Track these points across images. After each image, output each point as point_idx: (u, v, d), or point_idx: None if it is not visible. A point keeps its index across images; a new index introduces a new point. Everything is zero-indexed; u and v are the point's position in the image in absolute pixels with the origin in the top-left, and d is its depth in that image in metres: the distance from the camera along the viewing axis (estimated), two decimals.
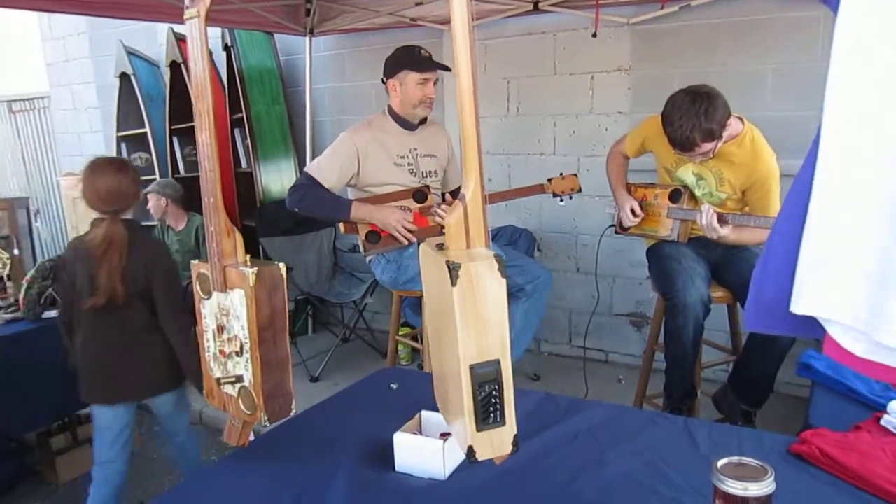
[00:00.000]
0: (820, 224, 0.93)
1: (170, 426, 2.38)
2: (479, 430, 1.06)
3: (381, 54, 4.15)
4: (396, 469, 1.42)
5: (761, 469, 1.08)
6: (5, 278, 3.25)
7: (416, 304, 3.57)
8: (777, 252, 1.03)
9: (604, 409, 1.68)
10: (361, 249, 2.79)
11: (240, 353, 1.42)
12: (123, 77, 4.82)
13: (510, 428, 1.09)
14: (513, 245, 3.18)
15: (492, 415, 1.06)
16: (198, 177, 1.44)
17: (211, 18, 1.34)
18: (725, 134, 2.30)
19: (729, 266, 2.51)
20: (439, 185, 2.91)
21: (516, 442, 1.10)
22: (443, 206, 2.76)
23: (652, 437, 1.52)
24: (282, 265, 1.41)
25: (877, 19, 0.86)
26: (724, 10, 3.09)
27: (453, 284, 1.02)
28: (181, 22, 1.36)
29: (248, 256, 1.45)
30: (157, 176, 4.62)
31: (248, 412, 1.46)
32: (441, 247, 1.14)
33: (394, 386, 1.90)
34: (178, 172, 4.66)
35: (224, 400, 1.53)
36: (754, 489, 1.04)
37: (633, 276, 3.59)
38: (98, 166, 2.17)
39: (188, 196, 3.98)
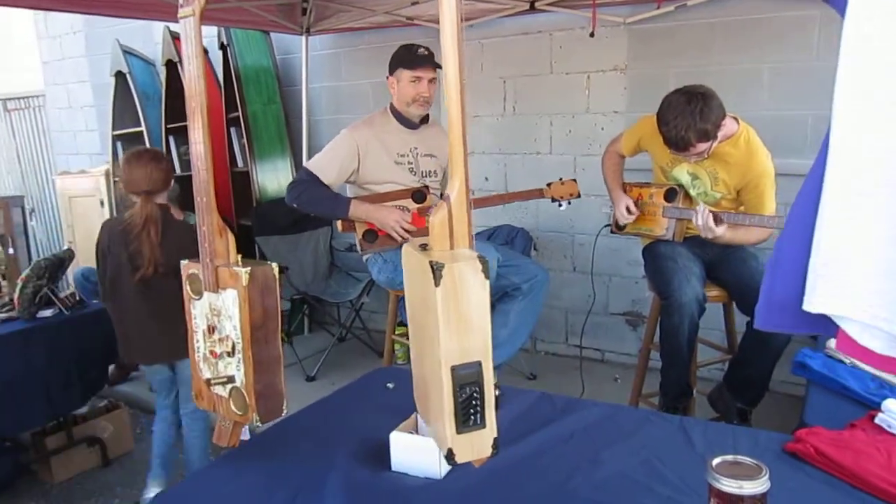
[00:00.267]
0: (832, 222, 0.93)
1: (187, 391, 2.46)
2: (459, 432, 1.06)
3: (377, 53, 4.18)
4: (392, 468, 1.42)
5: (756, 467, 1.08)
6: (0, 277, 3.24)
7: None
8: (787, 251, 1.03)
9: (599, 408, 1.68)
10: (358, 248, 2.79)
11: (231, 354, 1.42)
12: (119, 76, 4.80)
13: (490, 430, 1.08)
14: (509, 244, 3.17)
15: (472, 417, 1.06)
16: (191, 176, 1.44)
17: (207, 17, 1.34)
18: (720, 134, 2.30)
19: (724, 265, 2.52)
20: (439, 186, 2.90)
21: (496, 444, 1.09)
22: None
23: (648, 436, 1.52)
24: (274, 265, 1.41)
25: (884, 20, 0.86)
26: (720, 10, 3.10)
27: (437, 285, 1.01)
28: (177, 20, 1.36)
29: (239, 256, 1.44)
30: None
31: (239, 413, 1.46)
32: (425, 247, 1.14)
33: (390, 385, 1.90)
34: (175, 171, 4.64)
35: (214, 401, 1.52)
36: (749, 487, 1.04)
37: (629, 276, 3.60)
38: (137, 155, 2.48)
39: (184, 195, 3.97)
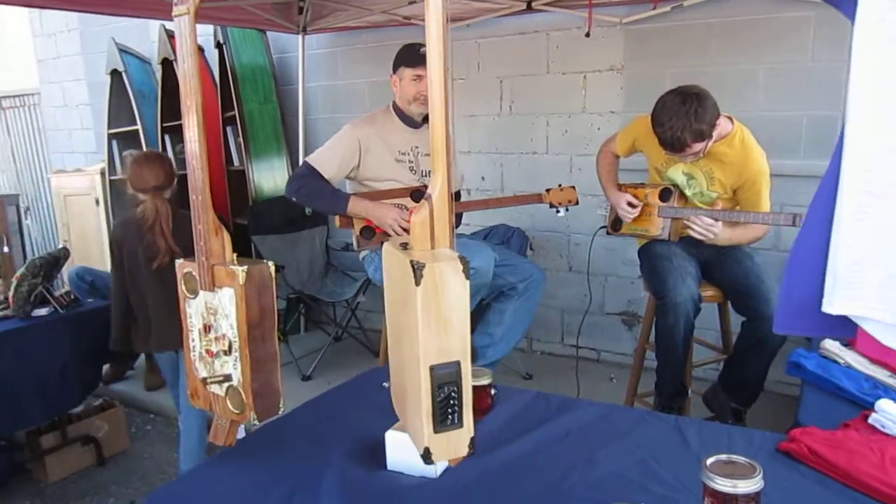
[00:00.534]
0: (850, 224, 0.93)
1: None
2: (436, 431, 1.06)
3: (374, 53, 4.18)
4: (388, 467, 1.42)
5: (750, 467, 1.09)
6: None
7: None
8: (804, 256, 1.04)
9: (595, 408, 1.69)
10: (355, 245, 2.80)
11: (228, 352, 1.42)
12: (115, 74, 4.79)
13: (467, 430, 1.09)
14: (505, 244, 3.17)
15: (450, 416, 1.06)
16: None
17: (203, 16, 1.34)
18: (715, 133, 2.31)
19: (719, 265, 2.53)
20: None
21: (473, 444, 1.10)
22: None
23: (643, 436, 1.53)
24: (271, 263, 1.41)
25: (892, 26, 0.86)
26: (716, 11, 3.11)
27: (417, 284, 1.01)
28: (172, 19, 1.35)
29: (235, 255, 1.44)
30: None
31: (236, 411, 1.46)
32: (406, 246, 1.14)
33: (386, 384, 1.89)
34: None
35: (210, 400, 1.52)
36: (743, 487, 1.05)
37: (625, 276, 3.60)
38: (144, 156, 2.77)
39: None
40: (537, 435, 1.54)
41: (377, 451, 1.44)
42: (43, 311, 2.88)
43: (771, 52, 3.03)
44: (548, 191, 2.92)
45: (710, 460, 1.11)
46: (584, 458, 1.44)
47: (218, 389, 1.47)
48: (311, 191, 2.69)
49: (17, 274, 2.85)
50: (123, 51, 4.76)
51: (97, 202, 5.07)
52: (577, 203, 2.94)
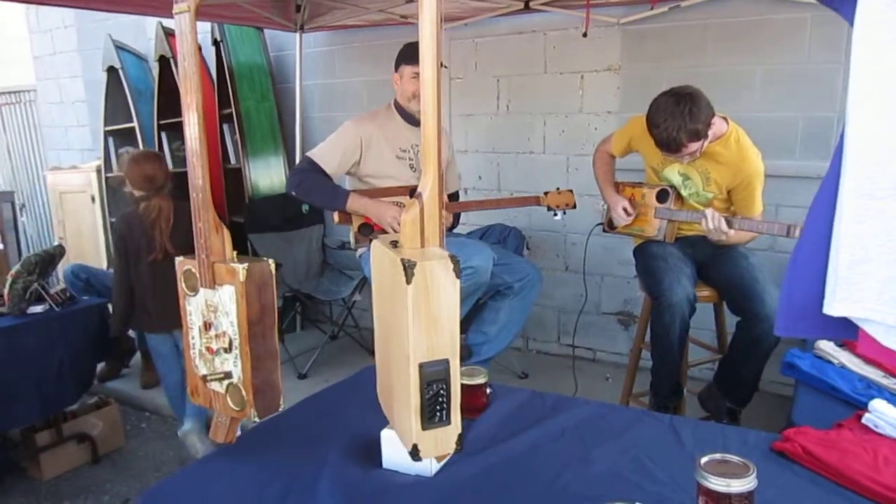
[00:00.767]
0: (851, 226, 0.94)
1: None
2: (424, 428, 1.06)
3: (371, 51, 4.18)
4: (383, 466, 1.42)
5: (744, 466, 1.09)
6: None
7: None
8: (806, 257, 1.04)
9: (590, 407, 1.69)
10: (352, 241, 2.81)
11: (228, 350, 1.42)
12: (111, 71, 4.78)
13: (455, 427, 1.09)
14: (502, 244, 3.18)
15: (438, 414, 1.07)
16: (186, 172, 1.44)
17: (200, 13, 1.34)
18: (710, 134, 2.32)
19: (715, 265, 2.54)
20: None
21: (460, 441, 1.10)
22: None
23: (638, 435, 1.53)
24: (271, 261, 1.41)
25: (894, 23, 0.87)
26: (713, 12, 3.11)
27: (408, 282, 1.02)
28: (170, 16, 1.35)
29: (235, 253, 1.44)
30: None
31: (236, 408, 1.46)
32: (396, 244, 1.14)
33: None
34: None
35: (210, 397, 1.52)
36: (737, 486, 1.05)
37: (621, 275, 3.61)
38: (144, 155, 2.99)
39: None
40: (532, 434, 1.54)
41: (373, 450, 1.44)
42: (38, 309, 2.87)
43: (768, 53, 3.04)
44: (546, 194, 2.94)
45: (704, 459, 1.11)
46: (579, 456, 1.44)
47: (218, 387, 1.47)
48: (311, 186, 2.70)
49: (13, 271, 2.85)
50: (120, 48, 4.75)
51: (93, 199, 5.06)
52: (574, 207, 2.96)
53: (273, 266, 1.41)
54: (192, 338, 1.52)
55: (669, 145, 2.28)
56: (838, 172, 0.96)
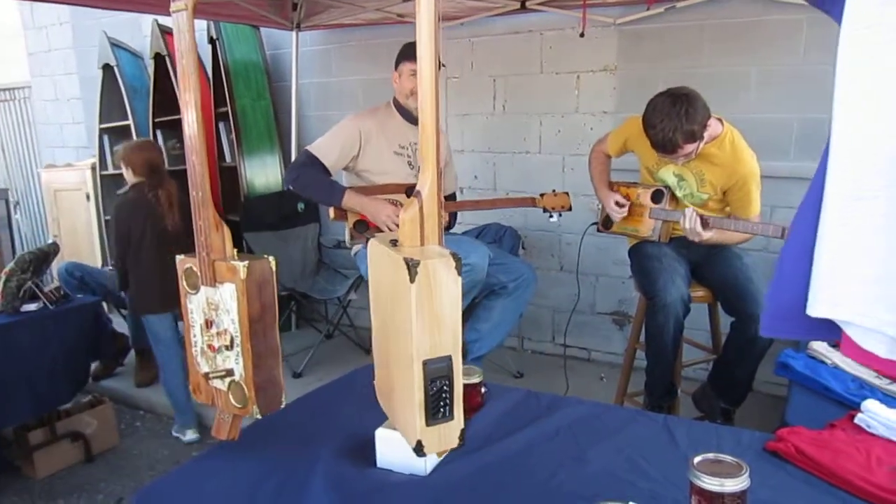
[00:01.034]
0: (834, 228, 0.94)
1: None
2: (428, 424, 1.07)
3: (367, 50, 4.18)
4: (378, 465, 1.42)
5: (737, 465, 1.10)
6: None
7: None
8: (792, 259, 1.05)
9: (585, 407, 1.70)
10: (347, 238, 2.81)
11: (230, 347, 1.42)
12: (106, 68, 4.76)
13: (458, 422, 1.10)
14: (497, 243, 3.18)
15: (441, 410, 1.08)
16: (182, 170, 1.44)
17: (197, 11, 1.33)
18: (706, 135, 2.32)
19: (709, 266, 2.54)
20: None
21: (462, 436, 1.12)
22: None
23: (632, 435, 1.54)
24: (271, 259, 1.41)
25: (880, 27, 0.87)
26: (709, 12, 3.12)
27: (412, 281, 1.02)
28: (166, 14, 1.35)
29: (235, 251, 1.45)
30: None
31: (238, 406, 1.46)
32: (395, 242, 1.15)
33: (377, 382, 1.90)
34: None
35: (212, 395, 1.52)
36: (730, 485, 1.06)
37: (615, 275, 3.62)
38: (142, 144, 3.28)
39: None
40: (527, 433, 1.55)
41: (367, 449, 1.44)
42: (32, 307, 2.87)
43: (763, 54, 3.05)
44: (542, 195, 2.95)
45: (697, 459, 1.12)
46: (574, 456, 1.44)
47: (220, 384, 1.48)
48: (308, 181, 2.71)
49: (6, 269, 2.84)
50: (115, 45, 4.74)
51: (88, 197, 5.04)
52: (570, 209, 2.97)
53: (273, 264, 1.42)
54: (194, 336, 1.52)
55: (665, 146, 2.29)
56: (825, 174, 0.97)
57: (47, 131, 6.11)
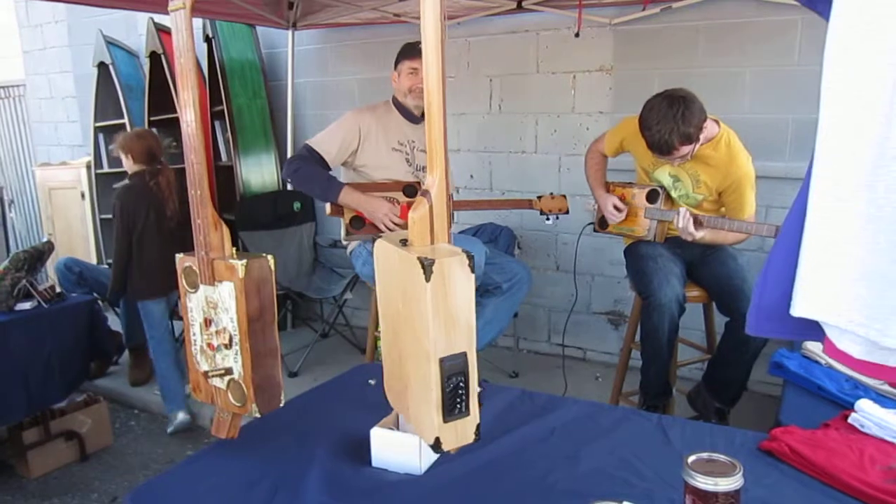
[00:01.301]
0: (816, 229, 0.95)
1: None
2: (445, 421, 1.08)
3: (364, 50, 4.17)
4: (373, 464, 1.43)
5: (731, 465, 1.10)
6: None
7: None
8: (779, 258, 1.05)
9: (580, 406, 1.70)
10: (343, 234, 2.82)
11: (229, 346, 1.42)
12: (102, 67, 4.75)
13: (473, 418, 1.12)
14: (493, 243, 3.19)
15: (458, 406, 1.09)
16: (178, 169, 1.43)
17: (193, 9, 1.33)
18: (702, 136, 2.33)
19: (705, 266, 2.55)
20: None
21: (478, 431, 1.13)
22: None
23: (626, 434, 1.54)
24: (270, 257, 1.41)
25: (865, 31, 0.88)
26: (704, 13, 3.13)
27: (427, 280, 1.03)
28: (162, 12, 1.35)
29: (234, 249, 1.45)
30: None
31: (237, 404, 1.46)
32: (405, 242, 1.15)
33: (372, 382, 1.90)
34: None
35: (212, 393, 1.52)
36: (724, 484, 1.06)
37: (611, 275, 3.62)
38: (141, 132, 3.37)
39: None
40: (522, 432, 1.55)
41: (362, 448, 1.45)
42: (26, 305, 2.85)
43: (758, 54, 3.06)
44: (539, 198, 2.96)
45: (691, 458, 1.12)
46: (568, 455, 1.45)
47: (219, 383, 1.48)
48: (307, 174, 2.72)
49: (1, 268, 2.83)
50: (111, 43, 4.73)
51: (83, 196, 5.03)
52: (567, 212, 2.97)
53: (272, 263, 1.42)
54: (194, 334, 1.52)
55: (661, 148, 2.29)
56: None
57: (42, 129, 6.09)
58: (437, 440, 1.09)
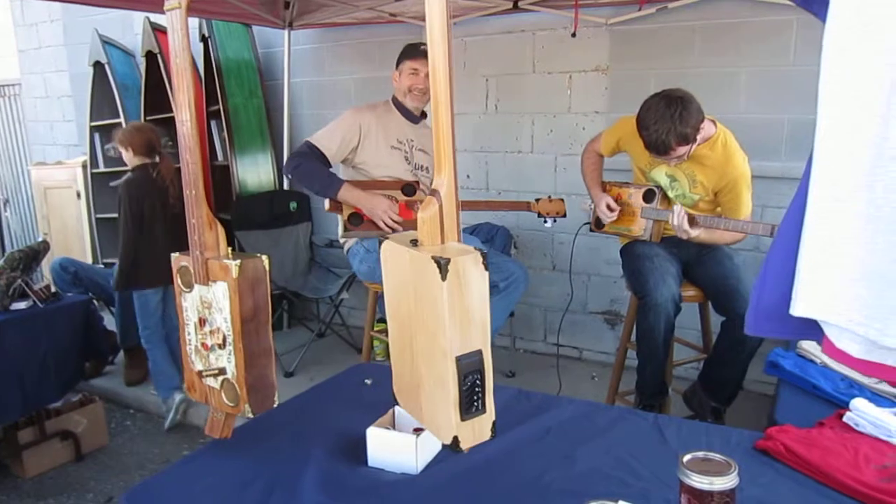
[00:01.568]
0: (814, 228, 0.95)
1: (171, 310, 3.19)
2: (463, 419, 1.08)
3: (360, 49, 4.17)
4: (369, 464, 1.43)
5: (726, 464, 1.11)
6: None
7: None
8: (777, 258, 1.05)
9: (575, 406, 1.70)
10: (341, 230, 2.82)
11: (223, 346, 1.42)
12: (97, 66, 4.73)
13: (490, 415, 1.12)
14: (489, 242, 3.19)
15: (475, 404, 1.09)
16: (174, 169, 1.43)
17: (189, 9, 1.33)
18: (699, 136, 2.33)
19: (701, 265, 2.56)
20: (429, 182, 2.94)
21: (494, 428, 1.13)
22: None
23: (622, 433, 1.54)
24: (264, 257, 1.41)
25: (862, 32, 0.88)
26: (700, 13, 3.14)
27: (443, 279, 1.03)
28: (158, 11, 1.35)
29: (229, 249, 1.44)
30: None
31: (230, 404, 1.46)
32: (415, 242, 1.15)
33: (368, 381, 1.90)
34: None
35: (206, 393, 1.52)
36: (719, 484, 1.07)
37: (607, 275, 3.63)
38: (140, 126, 3.38)
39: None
40: (518, 432, 1.55)
41: (358, 448, 1.45)
42: (22, 305, 2.85)
43: (754, 54, 3.06)
44: (537, 200, 2.97)
45: (686, 457, 1.12)
46: (564, 454, 1.45)
47: (213, 382, 1.48)
48: (307, 170, 2.74)
49: None
50: (107, 42, 4.71)
51: (78, 195, 5.01)
52: (564, 215, 2.98)
53: (267, 263, 1.41)
54: (188, 334, 1.52)
55: (658, 148, 2.30)
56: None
57: (38, 129, 6.07)
58: (455, 439, 1.09)
